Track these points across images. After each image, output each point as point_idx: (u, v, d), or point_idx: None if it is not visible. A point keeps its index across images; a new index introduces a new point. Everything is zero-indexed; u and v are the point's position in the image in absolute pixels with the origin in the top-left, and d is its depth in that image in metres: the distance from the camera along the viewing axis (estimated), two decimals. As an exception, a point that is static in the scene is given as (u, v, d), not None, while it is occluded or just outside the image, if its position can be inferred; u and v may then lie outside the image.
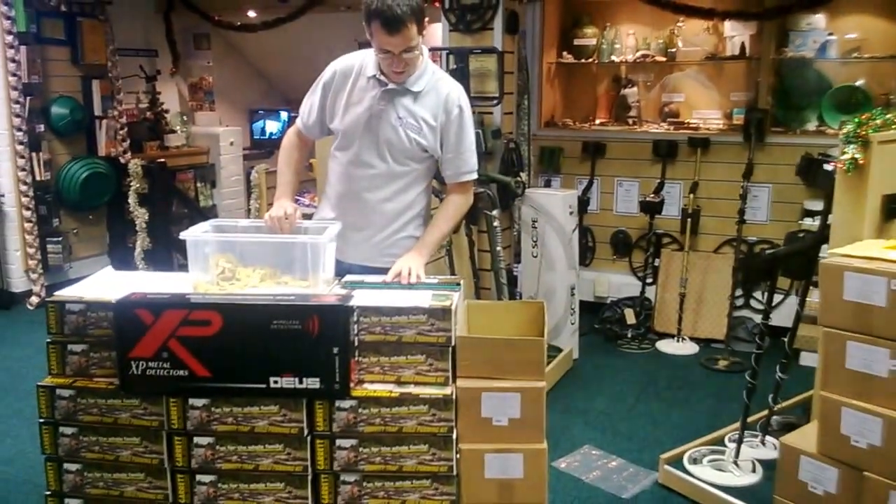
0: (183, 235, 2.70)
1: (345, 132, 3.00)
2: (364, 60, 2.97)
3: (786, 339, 3.66)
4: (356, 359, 2.37)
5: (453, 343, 2.38)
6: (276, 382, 2.29)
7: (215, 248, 2.73)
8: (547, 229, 5.23)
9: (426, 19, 2.82)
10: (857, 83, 5.63)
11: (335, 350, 2.27)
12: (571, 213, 5.25)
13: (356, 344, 2.36)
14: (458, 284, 2.70)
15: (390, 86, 2.88)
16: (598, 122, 6.66)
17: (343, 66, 2.99)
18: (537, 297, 5.33)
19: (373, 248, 3.04)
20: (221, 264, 2.71)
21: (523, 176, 5.45)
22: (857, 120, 3.07)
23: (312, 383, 2.29)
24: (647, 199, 5.79)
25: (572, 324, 5.35)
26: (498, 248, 4.81)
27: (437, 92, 2.93)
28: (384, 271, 2.84)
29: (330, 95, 3.03)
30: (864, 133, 3.00)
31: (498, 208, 4.85)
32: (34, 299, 6.59)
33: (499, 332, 2.68)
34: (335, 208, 3.11)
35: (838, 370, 2.61)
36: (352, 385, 2.33)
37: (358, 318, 2.35)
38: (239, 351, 2.29)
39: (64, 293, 2.57)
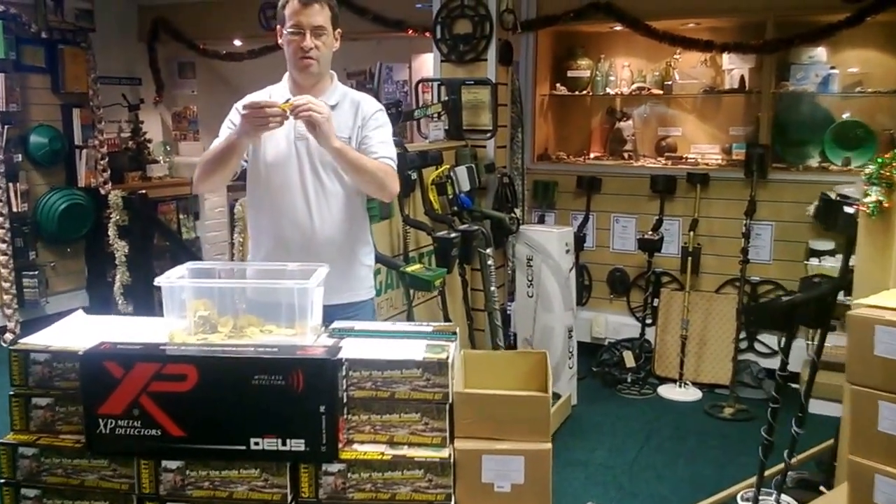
0: (158, 282, 2.48)
1: (272, 163, 2.88)
2: (271, 92, 2.97)
3: (797, 387, 3.46)
4: (345, 417, 2.14)
5: (451, 400, 2.16)
6: (256, 444, 2.06)
7: (193, 294, 2.52)
8: (543, 268, 5.03)
9: (338, 30, 2.89)
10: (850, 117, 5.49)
11: (322, 408, 2.05)
12: (568, 250, 5.06)
13: (345, 401, 2.14)
14: (454, 333, 2.49)
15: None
16: (592, 155, 6.50)
17: (250, 102, 2.85)
18: (533, 339, 5.13)
19: (329, 285, 2.83)
20: (200, 312, 2.50)
21: (518, 212, 5.26)
22: (879, 160, 2.88)
23: (297, 445, 2.06)
24: (646, 236, 5.61)
25: (570, 368, 5.14)
26: (493, 288, 4.63)
27: (350, 101, 2.94)
28: (347, 308, 2.87)
29: None
30: (888, 174, 2.81)
31: (492, 246, 4.66)
32: (8, 336, 6.37)
33: (499, 386, 2.46)
34: (272, 257, 2.94)
35: (869, 433, 2.39)
36: (340, 446, 2.10)
37: (347, 371, 2.13)
38: (217, 409, 2.07)
39: (29, 341, 2.35)
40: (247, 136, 2.64)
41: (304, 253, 2.86)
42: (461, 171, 4.77)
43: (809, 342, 5.00)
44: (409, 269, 3.87)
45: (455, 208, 4.75)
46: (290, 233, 2.90)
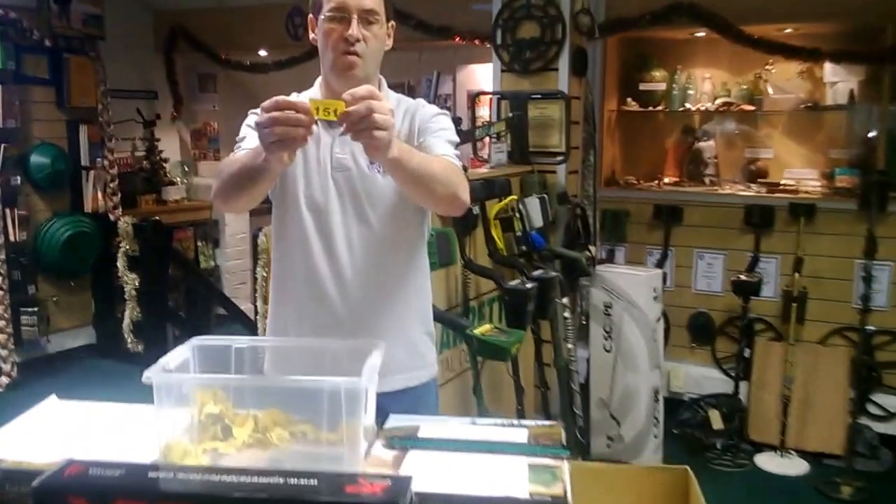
0: (146, 376, 1.69)
1: (301, 205, 2.12)
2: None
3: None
4: None
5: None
6: None
7: (199, 383, 1.75)
8: (625, 317, 4.21)
9: (391, 23, 2.13)
10: None
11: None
12: (656, 297, 4.23)
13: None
14: (565, 447, 1.68)
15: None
16: (666, 180, 5.67)
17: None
18: (611, 401, 4.31)
19: (382, 366, 2.00)
20: (209, 408, 1.72)
21: (593, 249, 4.45)
22: None
23: None
24: (741, 277, 4.76)
25: (656, 437, 4.31)
26: (569, 345, 3.81)
27: (405, 110, 2.18)
28: (404, 395, 2.12)
29: None
30: None
31: (568, 295, 3.85)
32: (3, 379, 5.64)
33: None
34: (300, 326, 2.18)
35: None
36: None
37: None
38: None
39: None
40: (271, 154, 1.75)
41: (348, 325, 2.10)
42: (532, 204, 3.98)
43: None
44: (478, 331, 3.08)
45: (523, 248, 3.95)
46: (328, 300, 2.13)
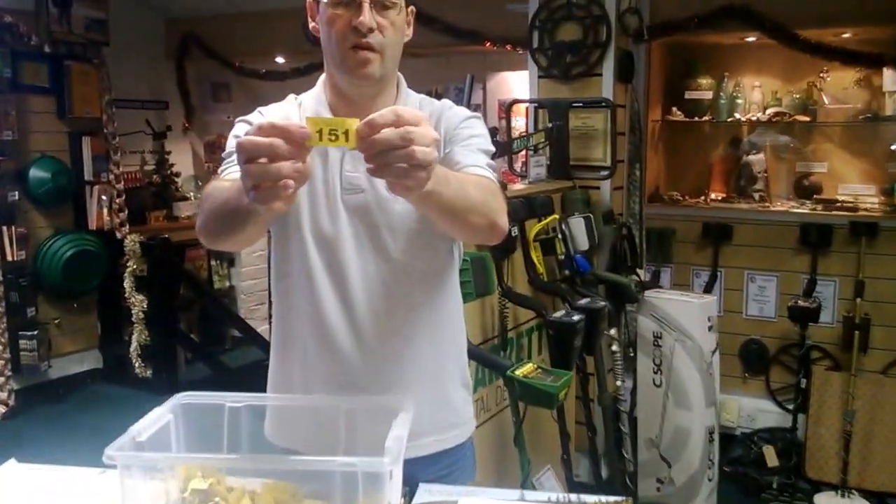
0: (108, 455, 1.30)
1: (305, 236, 1.69)
2: (287, 113, 1.74)
3: None
4: None
5: None
6: None
7: (177, 463, 1.42)
8: (677, 349, 3.79)
9: (411, 8, 1.67)
10: None
11: None
12: (711, 327, 3.81)
13: None
14: None
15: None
16: (713, 195, 5.25)
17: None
18: (661, 441, 3.89)
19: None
20: (195, 483, 1.37)
21: (640, 273, 4.04)
22: None
23: None
24: (799, 303, 4.33)
25: (710, 480, 3.88)
26: (618, 383, 3.40)
27: (429, 113, 1.72)
28: (436, 460, 1.75)
29: None
30: None
31: (616, 327, 3.45)
32: (0, 408, 5.29)
33: None
34: (308, 382, 1.76)
35: None
36: None
37: None
38: None
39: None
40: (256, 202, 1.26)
41: (367, 382, 1.70)
42: (576, 224, 3.58)
43: None
44: (520, 372, 2.67)
45: (566, 272, 3.55)
46: (341, 352, 1.71)
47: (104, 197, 5.99)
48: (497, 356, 2.98)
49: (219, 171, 1.65)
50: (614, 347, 3.39)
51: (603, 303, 3.19)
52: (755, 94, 5.11)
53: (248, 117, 1.70)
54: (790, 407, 4.56)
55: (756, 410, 4.77)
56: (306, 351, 1.73)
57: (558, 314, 3.04)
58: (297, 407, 1.74)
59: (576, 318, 2.97)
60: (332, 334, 1.69)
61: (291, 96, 1.79)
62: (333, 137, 1.19)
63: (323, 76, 1.74)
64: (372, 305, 1.68)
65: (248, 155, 1.19)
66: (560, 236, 3.52)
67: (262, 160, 1.18)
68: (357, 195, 1.66)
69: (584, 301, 3.20)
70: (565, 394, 2.70)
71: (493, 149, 1.73)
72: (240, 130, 1.63)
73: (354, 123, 1.18)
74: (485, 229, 1.53)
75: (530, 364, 2.80)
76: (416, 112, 1.22)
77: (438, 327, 1.77)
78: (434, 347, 1.76)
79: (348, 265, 1.67)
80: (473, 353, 2.44)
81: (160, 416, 1.46)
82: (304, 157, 1.20)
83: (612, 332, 3.41)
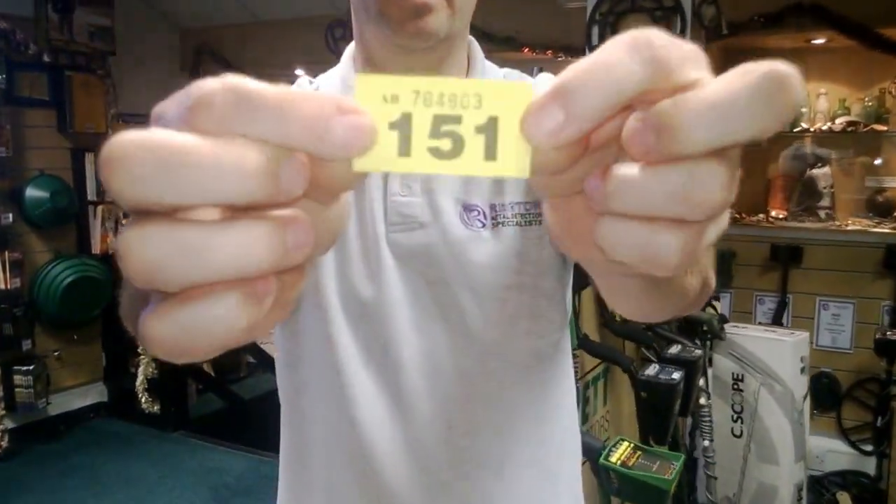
0: None
1: (342, 293, 1.03)
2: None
3: None
4: None
5: None
6: None
7: None
8: (762, 394, 3.33)
9: None
10: None
11: None
12: (803, 369, 3.34)
13: None
14: None
15: None
16: (773, 213, 4.78)
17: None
18: (740, 499, 3.42)
19: None
20: None
21: (717, 305, 3.57)
22: None
23: None
24: (887, 335, 3.88)
25: (800, 543, 3.43)
26: (705, 443, 2.92)
27: None
28: None
29: None
30: None
31: (704, 375, 2.97)
32: (-7, 449, 4.90)
33: None
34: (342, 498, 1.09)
35: None
36: None
37: None
38: None
39: None
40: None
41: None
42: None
43: None
44: (616, 458, 2.06)
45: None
46: (384, 475, 1.04)
47: (109, 218, 5.56)
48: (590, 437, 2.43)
49: None
50: (702, 401, 2.91)
51: (699, 351, 2.70)
52: (821, 101, 4.66)
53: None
54: (865, 448, 4.11)
55: (825, 451, 4.32)
56: (332, 484, 1.09)
57: (651, 371, 2.49)
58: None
59: (675, 375, 2.44)
60: (373, 457, 1.04)
61: (305, 78, 1.19)
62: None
63: (350, 47, 1.12)
64: (440, 412, 1.04)
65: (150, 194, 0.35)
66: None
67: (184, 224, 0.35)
68: (412, 232, 1.02)
69: (673, 349, 2.68)
70: (675, 486, 2.15)
71: None
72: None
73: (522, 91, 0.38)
74: (697, 294, 0.73)
75: (625, 443, 2.19)
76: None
77: (543, 444, 1.11)
78: (537, 476, 1.10)
79: (400, 347, 1.03)
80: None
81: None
82: (329, 209, 0.41)
83: (702, 381, 2.93)
